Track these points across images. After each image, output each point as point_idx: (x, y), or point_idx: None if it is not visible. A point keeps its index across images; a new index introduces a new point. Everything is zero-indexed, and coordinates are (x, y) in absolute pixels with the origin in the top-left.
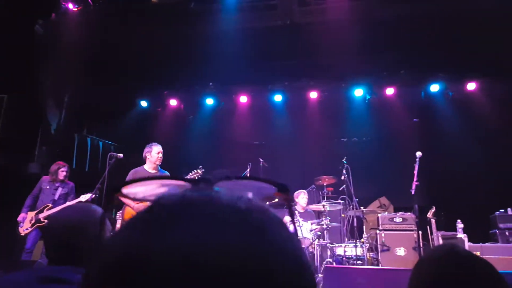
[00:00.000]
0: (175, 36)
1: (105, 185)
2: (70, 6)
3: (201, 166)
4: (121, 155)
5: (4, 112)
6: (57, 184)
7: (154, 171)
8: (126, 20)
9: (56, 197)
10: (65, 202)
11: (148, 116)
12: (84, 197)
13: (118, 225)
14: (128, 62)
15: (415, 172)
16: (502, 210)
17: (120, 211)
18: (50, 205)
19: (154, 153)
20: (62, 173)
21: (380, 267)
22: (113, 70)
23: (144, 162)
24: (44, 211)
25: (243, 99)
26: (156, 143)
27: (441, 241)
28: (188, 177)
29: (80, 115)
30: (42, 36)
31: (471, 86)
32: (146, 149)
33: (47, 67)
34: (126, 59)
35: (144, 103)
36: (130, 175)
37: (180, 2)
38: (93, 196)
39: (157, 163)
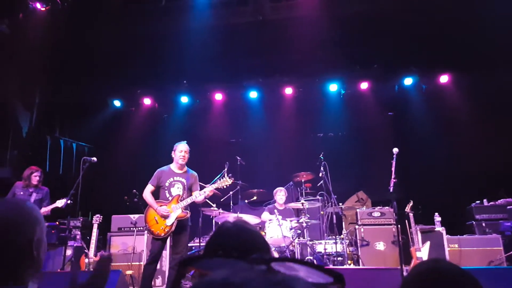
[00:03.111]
0: (147, 34)
1: (79, 191)
2: (38, 6)
3: (230, 175)
4: (94, 159)
5: None
6: (31, 190)
7: (180, 171)
8: (97, 19)
9: None
10: (40, 208)
11: (122, 115)
12: (59, 203)
13: (94, 229)
14: (99, 61)
15: (393, 169)
16: (478, 202)
17: (97, 215)
18: None
19: (177, 151)
20: (35, 178)
21: (360, 267)
22: (85, 70)
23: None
24: None
25: (218, 96)
26: (182, 142)
27: (419, 235)
28: (216, 184)
29: (52, 117)
30: (9, 36)
31: (443, 78)
32: (173, 148)
33: (16, 68)
34: (98, 58)
35: (117, 103)
36: (156, 175)
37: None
38: (68, 201)
39: (180, 162)
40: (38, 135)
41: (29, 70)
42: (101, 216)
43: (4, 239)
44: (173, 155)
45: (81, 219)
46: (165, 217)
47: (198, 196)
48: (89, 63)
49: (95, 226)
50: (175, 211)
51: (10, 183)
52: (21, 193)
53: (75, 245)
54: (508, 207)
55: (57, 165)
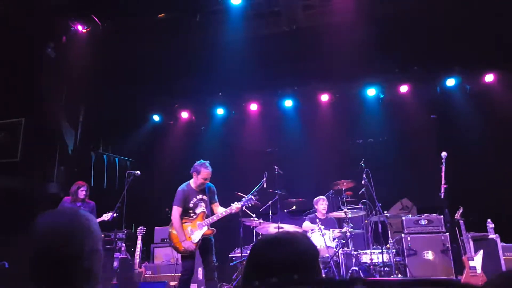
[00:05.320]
0: (182, 49)
1: (124, 204)
2: (80, 27)
3: (255, 193)
4: (138, 172)
5: (23, 135)
6: (78, 204)
7: (200, 189)
8: (135, 36)
9: None
10: None
11: (161, 129)
12: (106, 216)
13: (139, 241)
14: (139, 77)
15: (443, 174)
16: None
17: (140, 227)
18: None
19: (200, 176)
20: (82, 193)
21: (410, 278)
22: (125, 87)
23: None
24: None
25: (254, 106)
26: (206, 166)
27: (471, 243)
28: (242, 203)
29: (95, 133)
30: (55, 59)
31: (489, 78)
32: (195, 166)
33: (61, 88)
34: (137, 75)
35: (156, 117)
36: (181, 197)
37: (186, 15)
38: (114, 215)
39: (201, 187)
40: (83, 151)
41: (73, 89)
42: (145, 228)
43: (54, 251)
44: (194, 174)
45: (126, 231)
46: (187, 243)
47: (224, 213)
48: (128, 80)
49: (139, 238)
50: (201, 229)
51: (58, 198)
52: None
53: (120, 256)
54: None
55: (101, 179)
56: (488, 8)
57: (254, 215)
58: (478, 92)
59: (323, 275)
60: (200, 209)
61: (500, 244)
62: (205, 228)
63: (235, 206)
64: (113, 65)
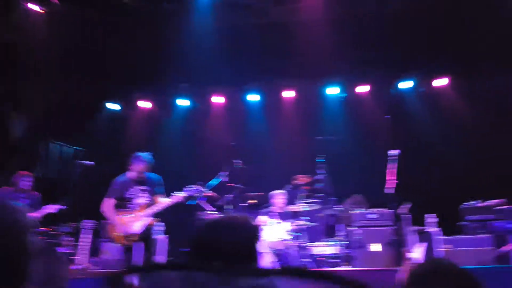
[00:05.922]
0: (146, 36)
1: (73, 196)
2: (33, 7)
3: (201, 183)
4: (90, 162)
5: None
6: (22, 195)
7: (140, 179)
8: (94, 20)
9: None
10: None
11: (119, 119)
12: (50, 208)
13: (85, 235)
14: (95, 63)
15: (393, 170)
16: (473, 202)
17: (85, 220)
18: None
19: (133, 168)
20: (25, 183)
21: (354, 268)
22: (80, 73)
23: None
24: None
25: (218, 99)
26: (140, 159)
27: (415, 236)
28: (186, 193)
29: (45, 121)
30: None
31: (441, 82)
32: (132, 157)
33: (7, 72)
34: (94, 61)
35: (113, 106)
36: (115, 187)
37: (152, 1)
38: (60, 207)
39: (139, 179)
40: (31, 140)
41: (23, 73)
42: (95, 222)
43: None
44: (130, 166)
45: (72, 225)
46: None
47: (166, 202)
48: (85, 65)
49: (87, 232)
50: (142, 220)
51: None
52: (10, 199)
53: (63, 251)
54: (498, 207)
55: (51, 170)
56: (446, 17)
57: (213, 209)
58: (430, 95)
59: (279, 267)
60: (141, 199)
61: (439, 237)
62: (147, 219)
63: (179, 195)
64: (68, 49)
